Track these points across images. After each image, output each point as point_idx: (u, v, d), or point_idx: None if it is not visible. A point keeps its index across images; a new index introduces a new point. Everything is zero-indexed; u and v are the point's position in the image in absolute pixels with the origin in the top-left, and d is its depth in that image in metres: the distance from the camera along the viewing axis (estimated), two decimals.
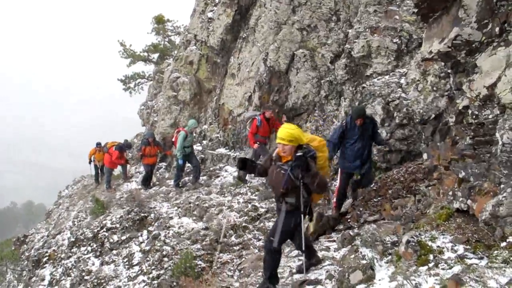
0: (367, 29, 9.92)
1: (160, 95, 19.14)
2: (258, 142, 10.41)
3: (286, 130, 4.33)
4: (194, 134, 12.59)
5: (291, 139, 4.27)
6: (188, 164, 12.08)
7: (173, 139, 11.81)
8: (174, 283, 6.41)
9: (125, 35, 27.97)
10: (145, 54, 23.93)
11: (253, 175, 5.96)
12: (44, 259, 11.80)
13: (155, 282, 7.47)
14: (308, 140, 4.59)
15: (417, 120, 7.71)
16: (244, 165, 4.70)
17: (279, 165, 4.43)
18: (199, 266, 6.58)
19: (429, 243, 3.45)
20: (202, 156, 14.03)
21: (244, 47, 13.33)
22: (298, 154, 4.14)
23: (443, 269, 3.02)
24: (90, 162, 16.69)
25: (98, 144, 16.02)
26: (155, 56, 24.02)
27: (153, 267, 7.75)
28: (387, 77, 9.07)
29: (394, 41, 9.47)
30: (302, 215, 4.43)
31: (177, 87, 16.16)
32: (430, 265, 3.16)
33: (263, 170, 4.75)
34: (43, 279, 11.11)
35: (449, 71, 4.41)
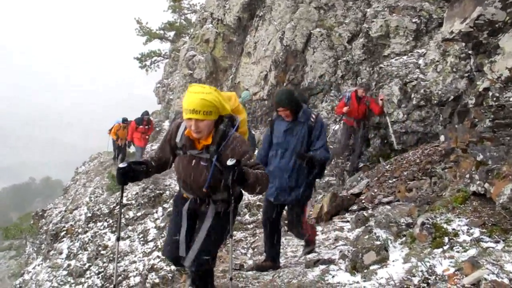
0: (386, 8, 9.72)
1: (176, 73, 19.19)
2: (343, 123, 9.04)
3: (198, 97, 2.72)
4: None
5: (208, 110, 2.74)
6: None
7: None
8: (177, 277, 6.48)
9: (142, 13, 27.89)
10: (161, 32, 23.88)
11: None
12: (62, 233, 12.13)
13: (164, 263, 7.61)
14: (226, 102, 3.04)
15: (435, 102, 7.60)
16: (127, 177, 2.97)
17: (195, 155, 2.95)
18: None
19: (444, 225, 3.42)
20: None
21: (260, 25, 13.19)
22: (229, 163, 2.62)
23: (458, 252, 3.00)
24: (117, 139, 15.58)
25: (125, 121, 14.73)
26: (171, 34, 23.96)
27: None
28: (405, 57, 8.92)
29: (413, 20, 9.27)
30: (233, 212, 3.03)
31: (193, 65, 16.14)
32: (445, 247, 3.14)
33: (159, 164, 3.15)
34: (61, 253, 11.44)
35: (470, 52, 4.32)
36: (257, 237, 6.72)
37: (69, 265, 10.47)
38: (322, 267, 4.12)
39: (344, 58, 10.46)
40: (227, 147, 2.86)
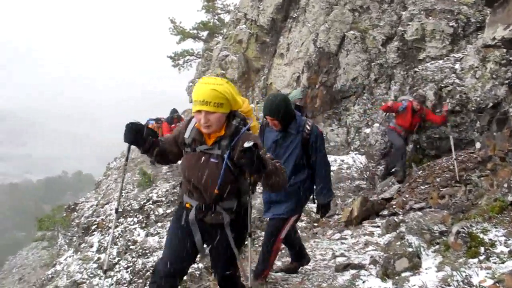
0: (422, 11, 9.57)
1: (209, 73, 19.40)
2: (390, 129, 8.31)
3: (208, 87, 2.54)
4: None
5: (219, 102, 2.54)
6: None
7: None
8: None
9: (176, 12, 28.36)
10: (195, 31, 24.18)
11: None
12: (93, 227, 12.41)
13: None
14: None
15: (472, 108, 7.43)
16: (137, 135, 2.72)
17: (204, 150, 2.68)
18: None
19: (481, 235, 3.35)
20: None
21: (294, 27, 13.20)
22: (247, 145, 2.35)
23: (495, 263, 2.93)
24: None
25: (158, 120, 14.53)
26: (204, 33, 24.24)
27: None
28: (441, 61, 8.75)
29: (450, 24, 9.09)
30: (248, 227, 2.71)
31: (225, 65, 16.30)
32: (481, 258, 3.07)
33: (164, 151, 2.86)
34: (91, 246, 11.73)
35: (511, 58, 4.22)
36: None
37: (99, 258, 10.74)
38: (353, 271, 4.09)
39: (378, 61, 10.35)
40: (239, 143, 2.56)
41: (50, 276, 13.65)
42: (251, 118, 2.89)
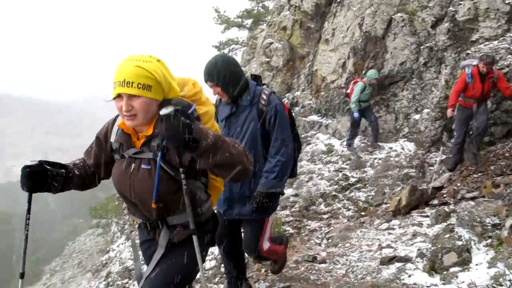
0: None
1: (253, 61, 19.43)
2: (459, 105, 7.20)
3: (131, 64, 1.94)
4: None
5: (146, 84, 1.93)
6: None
7: (348, 91, 10.30)
8: None
9: (220, 2, 28.51)
10: (239, 20, 24.22)
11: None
12: None
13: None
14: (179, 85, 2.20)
15: None
16: (36, 181, 2.05)
17: (132, 155, 2.10)
18: (287, 232, 6.82)
19: None
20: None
21: (339, 11, 12.91)
22: (165, 111, 1.75)
23: None
24: None
25: None
26: (248, 22, 24.21)
27: None
28: (495, 42, 8.28)
29: (507, 1, 8.54)
30: (207, 243, 2.27)
31: (270, 53, 16.25)
32: None
33: (83, 174, 2.29)
34: None
35: None
36: (331, 228, 6.75)
37: None
38: (398, 265, 3.97)
39: (427, 44, 9.93)
40: None
41: (104, 261, 14.44)
42: (201, 102, 2.25)
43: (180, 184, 2.01)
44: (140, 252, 2.44)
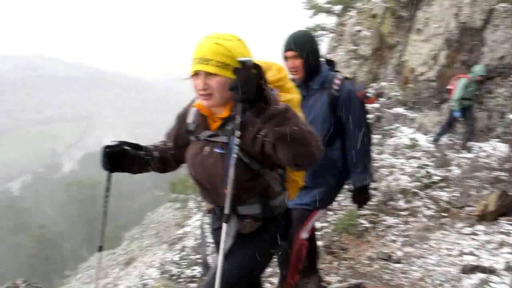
0: None
1: (340, 49, 19.17)
2: None
3: (211, 41, 1.90)
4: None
5: (224, 62, 1.86)
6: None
7: (449, 86, 9.53)
8: (335, 238, 6.62)
9: None
10: (328, 5, 23.84)
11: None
12: None
13: (319, 233, 8.04)
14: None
15: None
16: (115, 161, 2.15)
17: (207, 138, 2.07)
18: (362, 225, 6.76)
19: None
20: (379, 114, 13.86)
21: (433, 0, 12.31)
22: (242, 58, 1.61)
23: None
24: None
25: None
26: (337, 8, 23.76)
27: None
28: None
29: None
30: (277, 239, 2.15)
31: (358, 41, 15.95)
32: None
33: (163, 156, 2.30)
34: None
35: None
36: (409, 225, 6.67)
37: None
38: (481, 276, 3.74)
39: None
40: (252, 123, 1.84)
41: (179, 235, 15.19)
42: (285, 89, 2.07)
43: (253, 173, 1.94)
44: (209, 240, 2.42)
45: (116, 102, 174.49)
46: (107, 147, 2.12)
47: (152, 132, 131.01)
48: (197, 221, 14.80)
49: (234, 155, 1.81)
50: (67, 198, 45.74)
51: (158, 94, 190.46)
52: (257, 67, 1.58)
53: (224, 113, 1.98)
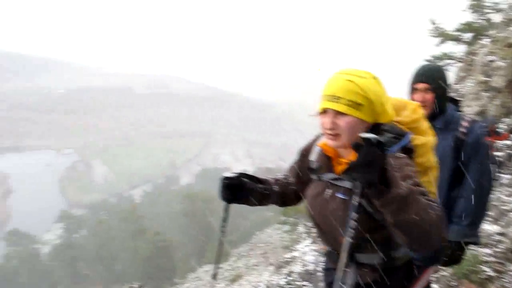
0: None
1: (469, 79, 18.03)
2: None
3: (343, 78, 1.79)
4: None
5: (355, 101, 1.75)
6: None
7: None
8: (453, 283, 6.22)
9: (436, 13, 27.15)
10: (457, 33, 22.61)
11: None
12: None
13: (435, 275, 7.54)
14: (394, 108, 1.92)
15: None
16: (233, 193, 2.15)
17: (330, 180, 1.97)
18: (486, 273, 6.26)
19: None
20: (511, 152, 12.65)
21: None
22: (365, 135, 1.52)
23: None
24: None
25: None
26: (467, 36, 22.41)
27: None
28: None
29: None
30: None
31: (490, 72, 14.85)
32: None
33: (283, 191, 2.28)
34: None
35: None
36: None
37: None
38: None
39: None
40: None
41: (287, 259, 15.15)
42: (420, 131, 1.91)
43: (376, 223, 1.79)
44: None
45: (234, 121, 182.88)
46: (226, 178, 2.13)
47: (266, 152, 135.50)
48: (306, 247, 14.80)
49: (355, 203, 1.68)
50: (182, 210, 48.02)
51: (274, 115, 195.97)
52: (381, 145, 1.49)
53: (351, 156, 1.75)
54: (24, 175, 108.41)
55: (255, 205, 2.24)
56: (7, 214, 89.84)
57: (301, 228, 19.76)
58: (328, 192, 1.96)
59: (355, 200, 1.68)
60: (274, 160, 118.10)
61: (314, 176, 2.06)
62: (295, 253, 15.06)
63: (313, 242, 14.13)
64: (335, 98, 1.77)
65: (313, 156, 2.07)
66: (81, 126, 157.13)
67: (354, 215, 1.69)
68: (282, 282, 11.53)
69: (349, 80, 1.77)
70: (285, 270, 13.40)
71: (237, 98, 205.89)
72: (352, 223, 1.69)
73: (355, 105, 1.76)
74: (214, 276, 2.46)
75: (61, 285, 43.63)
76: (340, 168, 1.94)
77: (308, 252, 13.54)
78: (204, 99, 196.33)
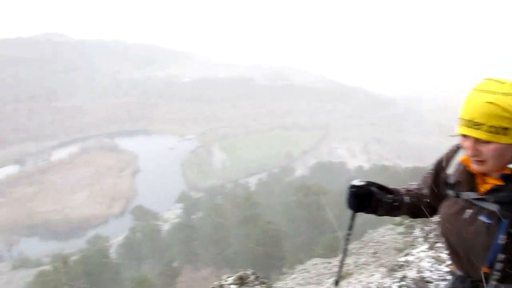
0: None
1: None
2: None
3: (482, 99, 1.47)
4: None
5: (501, 126, 1.44)
6: None
7: None
8: None
9: None
10: None
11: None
12: None
13: None
14: None
15: None
16: (361, 201, 2.01)
17: (472, 201, 1.67)
18: None
19: None
20: None
21: None
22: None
23: None
24: None
25: None
26: None
27: None
28: None
29: None
30: None
31: None
32: None
33: (414, 203, 2.02)
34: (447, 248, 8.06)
35: None
36: None
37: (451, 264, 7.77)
38: None
39: None
40: None
41: (401, 263, 11.66)
42: None
43: None
44: None
45: (353, 116, 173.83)
46: (354, 187, 2.00)
47: (384, 150, 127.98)
48: (422, 252, 11.08)
49: (502, 242, 1.51)
50: (295, 201, 46.91)
51: (396, 112, 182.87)
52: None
53: (495, 181, 1.59)
54: (151, 157, 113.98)
55: (382, 215, 2.09)
56: (135, 191, 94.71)
57: (417, 232, 11.62)
58: (468, 212, 1.70)
59: (502, 239, 1.51)
60: (391, 158, 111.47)
61: (451, 192, 1.80)
62: (410, 258, 10.91)
63: (430, 248, 10.90)
64: (474, 124, 1.51)
65: (452, 170, 1.81)
66: (203, 114, 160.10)
67: (501, 256, 1.53)
68: (395, 286, 9.16)
69: (490, 103, 1.48)
70: (398, 274, 10.12)
71: (357, 92, 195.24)
72: (500, 257, 1.53)
73: (500, 130, 1.48)
74: (337, 283, 2.41)
75: (176, 261, 44.72)
76: (485, 186, 1.66)
77: (425, 259, 9.90)
78: (323, 91, 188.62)
